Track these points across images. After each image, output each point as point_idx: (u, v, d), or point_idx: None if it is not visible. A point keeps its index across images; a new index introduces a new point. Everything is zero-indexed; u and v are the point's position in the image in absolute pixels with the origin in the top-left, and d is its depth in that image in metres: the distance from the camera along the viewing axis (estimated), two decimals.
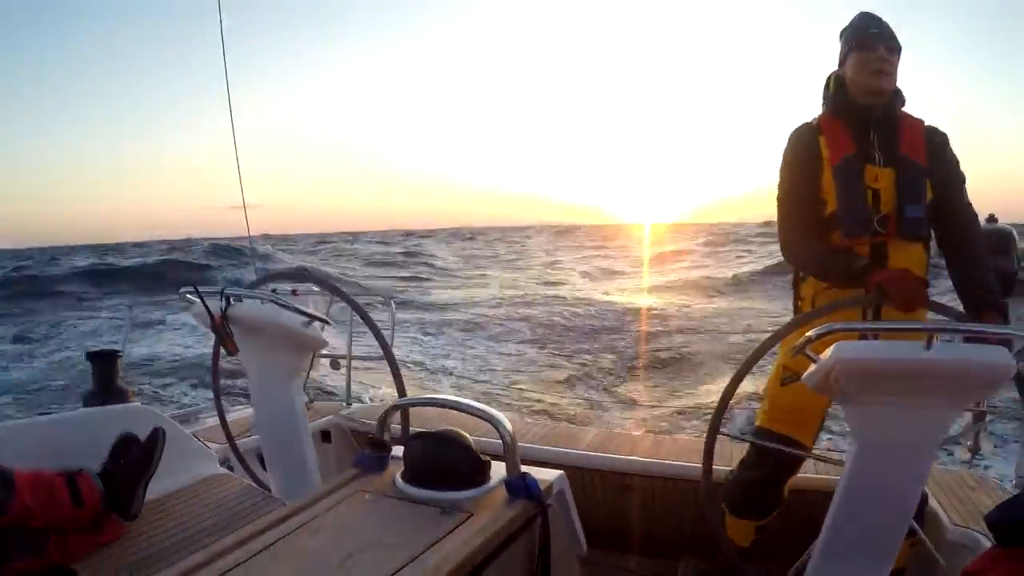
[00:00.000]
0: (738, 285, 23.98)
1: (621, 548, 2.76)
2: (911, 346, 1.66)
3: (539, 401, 8.63)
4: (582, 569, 2.04)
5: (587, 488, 2.69)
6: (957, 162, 2.23)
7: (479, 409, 1.66)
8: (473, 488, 1.62)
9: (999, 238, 2.43)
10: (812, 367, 1.74)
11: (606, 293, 21.59)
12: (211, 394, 2.86)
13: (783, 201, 2.27)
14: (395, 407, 1.76)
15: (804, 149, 2.23)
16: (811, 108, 2.36)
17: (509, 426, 1.62)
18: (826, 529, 1.87)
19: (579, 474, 2.68)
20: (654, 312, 17.76)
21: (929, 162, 2.16)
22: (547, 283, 25.70)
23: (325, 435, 3.25)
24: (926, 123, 2.23)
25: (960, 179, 2.22)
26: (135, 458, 2.12)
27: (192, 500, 2.27)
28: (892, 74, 2.16)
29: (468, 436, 1.68)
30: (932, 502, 2.45)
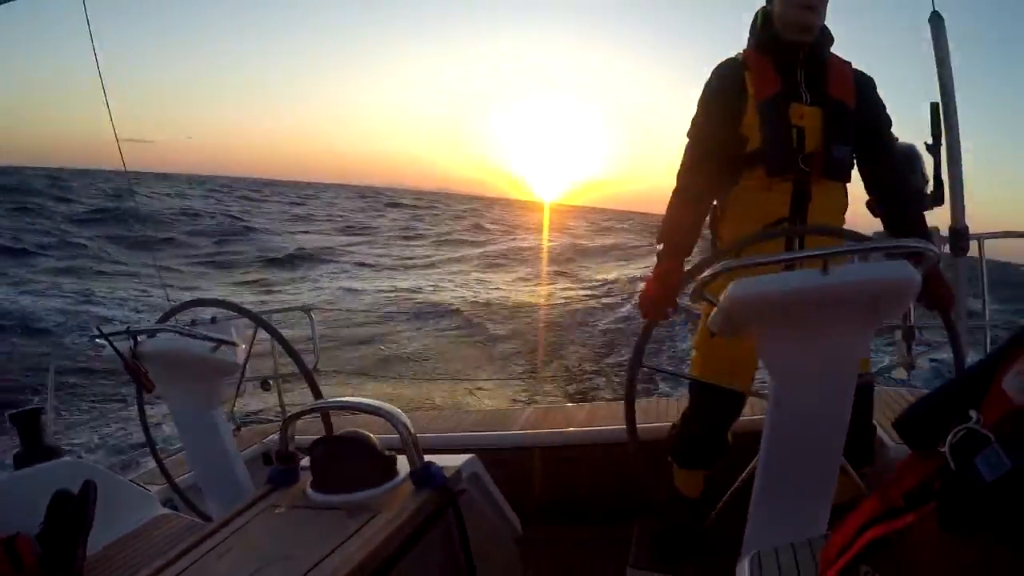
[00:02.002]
0: None
1: (573, 521, 2.74)
2: (808, 274, 1.62)
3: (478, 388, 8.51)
4: (524, 549, 2.00)
5: (528, 467, 2.67)
6: (883, 106, 2.22)
7: (373, 406, 1.63)
8: (380, 486, 1.57)
9: (906, 156, 2.41)
10: (713, 311, 1.71)
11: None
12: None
13: (693, 140, 2.23)
14: (292, 417, 1.71)
15: (728, 84, 2.18)
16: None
17: (405, 419, 1.60)
18: (760, 470, 1.85)
19: (519, 454, 2.66)
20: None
21: (857, 104, 2.13)
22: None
23: (266, 458, 3.18)
24: (853, 66, 2.21)
25: (887, 122, 2.22)
26: (69, 515, 2.07)
27: (136, 545, 2.24)
28: (820, 10, 2.10)
29: (371, 435, 1.65)
30: (880, 431, 2.42)
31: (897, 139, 2.43)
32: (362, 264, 23.61)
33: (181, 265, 20.33)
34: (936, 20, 2.44)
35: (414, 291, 17.15)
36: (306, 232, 34.91)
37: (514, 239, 37.80)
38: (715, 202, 2.30)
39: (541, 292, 17.90)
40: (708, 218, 2.34)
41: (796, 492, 1.82)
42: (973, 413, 0.99)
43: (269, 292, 17.81)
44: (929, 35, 2.47)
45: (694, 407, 2.35)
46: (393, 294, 16.74)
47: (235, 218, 36.98)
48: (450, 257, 26.95)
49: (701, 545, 2.38)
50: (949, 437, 0.98)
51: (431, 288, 17.73)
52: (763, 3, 2.22)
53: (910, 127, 2.30)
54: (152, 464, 2.93)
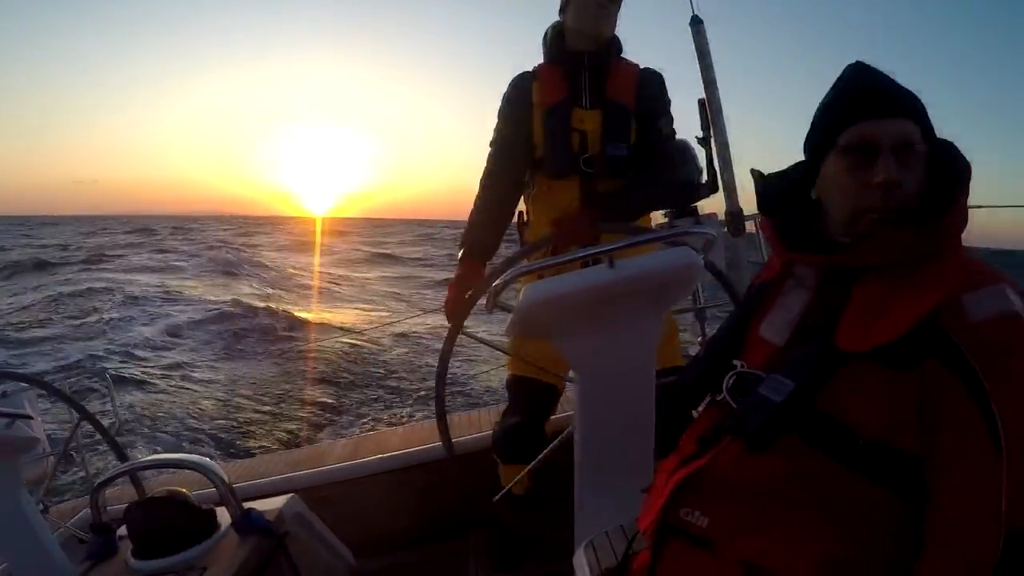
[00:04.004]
0: None
1: (408, 545, 2.76)
2: (596, 270, 1.72)
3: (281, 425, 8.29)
4: None
5: (353, 498, 2.66)
6: (662, 98, 2.38)
7: (182, 461, 1.62)
8: (202, 542, 1.56)
9: (679, 151, 2.62)
10: (509, 317, 1.78)
11: None
12: None
13: (492, 149, 2.39)
14: (99, 486, 1.66)
15: (517, 96, 2.34)
16: None
17: (218, 469, 1.61)
18: (577, 461, 1.94)
19: (341, 487, 2.65)
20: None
21: (637, 103, 2.30)
22: None
23: (84, 534, 3.00)
24: (642, 67, 2.36)
25: (659, 113, 2.36)
26: None
27: None
28: (610, 19, 2.27)
29: (185, 491, 1.62)
30: None
31: (675, 133, 2.68)
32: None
33: None
34: (696, 23, 2.70)
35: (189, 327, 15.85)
36: None
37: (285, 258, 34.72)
38: (522, 208, 2.44)
39: (331, 317, 17.26)
40: (516, 224, 2.48)
41: (616, 477, 1.88)
42: (737, 362, 1.17)
43: None
44: (692, 37, 2.72)
45: (512, 402, 2.44)
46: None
47: None
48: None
49: (537, 542, 2.47)
50: (724, 384, 1.15)
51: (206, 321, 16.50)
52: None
53: (681, 123, 2.53)
54: None
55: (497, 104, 2.42)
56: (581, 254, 1.81)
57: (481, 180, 2.39)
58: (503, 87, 2.41)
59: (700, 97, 2.65)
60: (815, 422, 1.00)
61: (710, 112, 2.59)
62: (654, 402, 1.92)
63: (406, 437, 2.90)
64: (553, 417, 2.48)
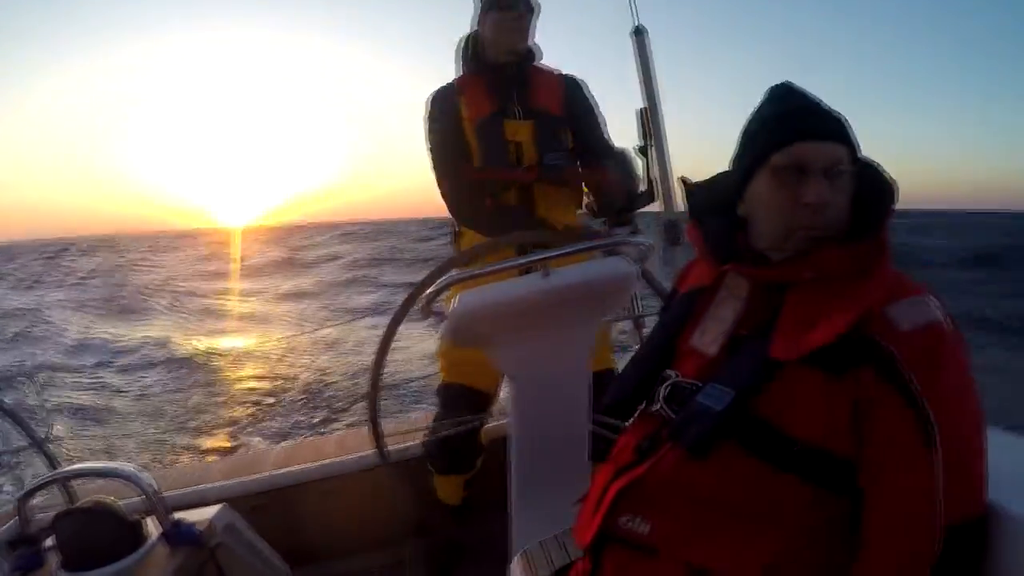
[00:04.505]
0: None
1: (344, 554, 2.72)
2: (530, 279, 1.75)
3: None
4: None
5: (288, 507, 2.63)
6: (592, 105, 2.48)
7: (110, 469, 1.61)
8: (132, 553, 1.56)
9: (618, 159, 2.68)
10: (443, 323, 1.81)
11: None
12: None
13: (437, 165, 2.40)
14: (26, 495, 1.64)
15: (445, 111, 2.37)
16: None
17: (147, 478, 1.59)
18: (513, 470, 1.97)
19: (275, 496, 2.61)
20: None
21: (565, 110, 2.38)
22: None
23: (12, 545, 2.94)
24: (562, 72, 2.45)
25: (595, 120, 2.48)
26: None
27: None
28: (527, 32, 2.34)
29: (113, 500, 1.61)
30: None
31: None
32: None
33: None
34: (639, 33, 2.75)
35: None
36: None
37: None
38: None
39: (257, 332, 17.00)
40: (451, 234, 2.50)
41: (551, 486, 1.90)
42: (671, 372, 1.22)
43: None
44: (633, 47, 2.76)
45: (443, 410, 2.45)
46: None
47: None
48: None
49: (474, 553, 2.50)
50: (661, 393, 1.20)
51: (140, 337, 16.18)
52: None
53: (623, 132, 2.59)
54: None
55: None
56: (517, 262, 1.85)
57: (450, 209, 2.40)
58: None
59: (640, 107, 2.70)
60: (753, 428, 1.05)
61: (650, 122, 2.64)
62: (589, 411, 1.96)
63: (341, 444, 2.88)
64: (488, 425, 2.51)
